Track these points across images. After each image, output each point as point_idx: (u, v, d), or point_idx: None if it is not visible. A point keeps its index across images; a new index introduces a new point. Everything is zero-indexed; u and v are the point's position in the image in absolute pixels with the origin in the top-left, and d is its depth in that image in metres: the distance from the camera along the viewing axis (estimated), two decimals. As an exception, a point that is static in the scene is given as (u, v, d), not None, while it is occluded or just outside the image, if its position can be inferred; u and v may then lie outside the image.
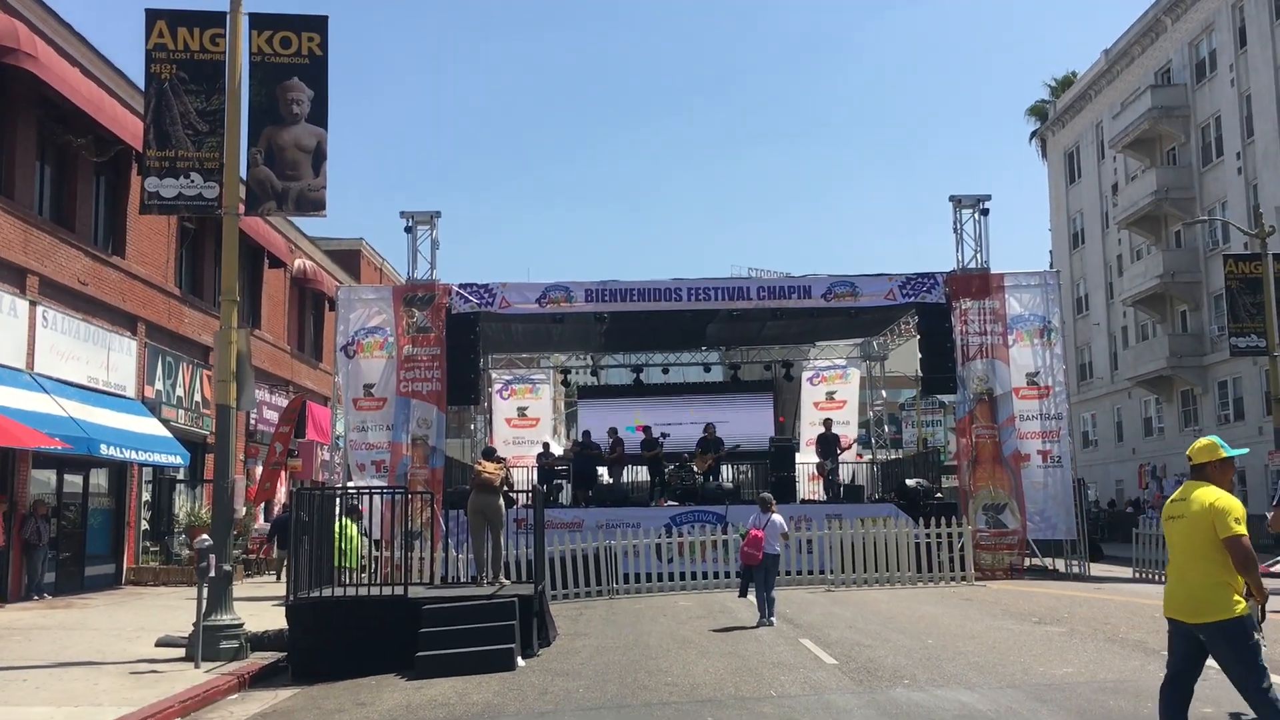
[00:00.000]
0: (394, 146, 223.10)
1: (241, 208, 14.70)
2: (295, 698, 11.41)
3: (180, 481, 28.26)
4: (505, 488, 15.11)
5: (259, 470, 30.51)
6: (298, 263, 36.04)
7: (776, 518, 15.34)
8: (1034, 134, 63.67)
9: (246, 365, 14.29)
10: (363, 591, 13.06)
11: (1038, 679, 9.94)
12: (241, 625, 13.61)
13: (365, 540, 17.92)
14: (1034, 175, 69.27)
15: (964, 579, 20.83)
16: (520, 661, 12.29)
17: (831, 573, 20.71)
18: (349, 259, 43.49)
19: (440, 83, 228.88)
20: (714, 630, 14.64)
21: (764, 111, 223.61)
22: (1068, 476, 23.12)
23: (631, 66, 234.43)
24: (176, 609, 18.09)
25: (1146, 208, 45.79)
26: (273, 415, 32.49)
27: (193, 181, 14.42)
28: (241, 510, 13.98)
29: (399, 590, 13.04)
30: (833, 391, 32.46)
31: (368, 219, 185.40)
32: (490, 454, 15.56)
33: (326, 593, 13.08)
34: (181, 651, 13.24)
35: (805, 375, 32.76)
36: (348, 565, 17.29)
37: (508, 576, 15.43)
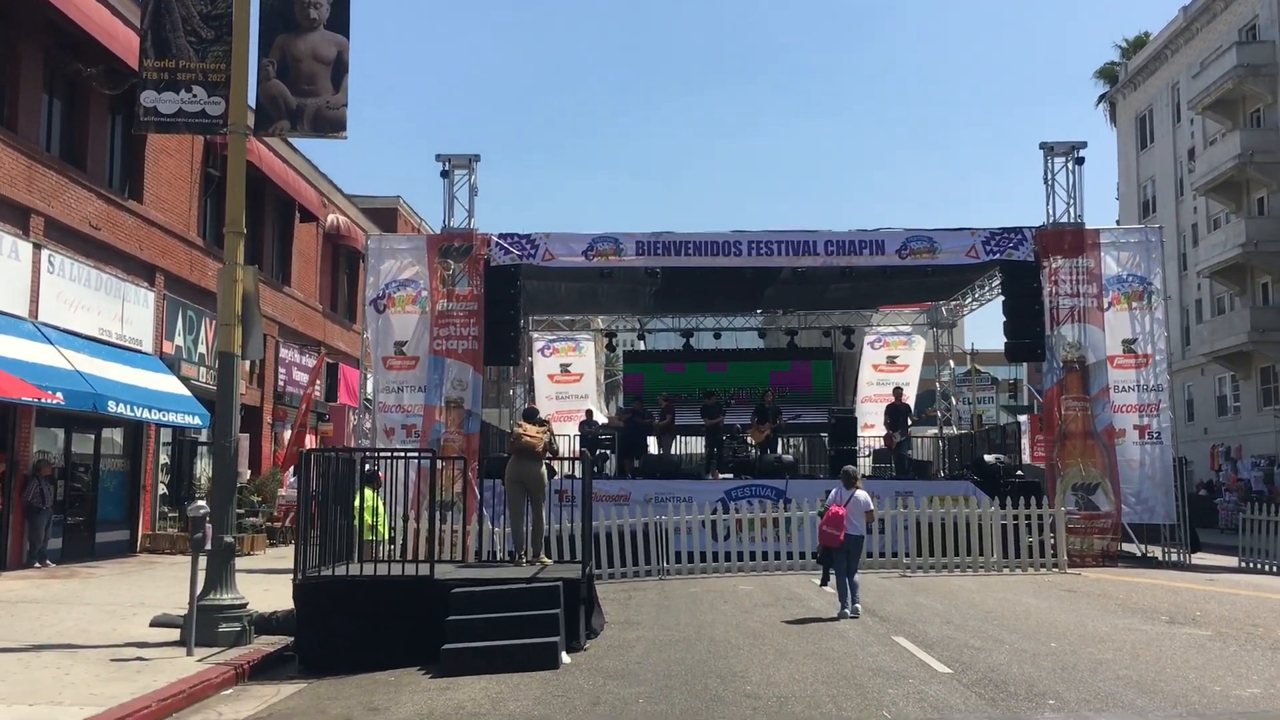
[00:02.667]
0: (434, 104, 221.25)
1: (250, 127, 12.81)
2: (298, 696, 9.58)
3: (202, 444, 26.63)
4: (549, 454, 13.19)
5: (287, 434, 28.91)
6: (331, 218, 34.30)
7: (861, 494, 13.29)
8: (1102, 97, 60.65)
9: (254, 308, 12.45)
10: (382, 570, 11.18)
11: (1222, 704, 7.89)
12: (245, 606, 11.82)
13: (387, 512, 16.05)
14: (1101, 141, 65.89)
15: (1055, 566, 18.70)
16: (565, 658, 10.39)
17: (908, 556, 18.66)
18: (385, 217, 41.63)
19: (482, 41, 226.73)
20: (787, 622, 12.68)
21: (816, 82, 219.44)
22: (1167, 454, 20.86)
23: (682, 32, 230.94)
24: (186, 581, 16.34)
25: (1228, 172, 42.98)
26: (303, 377, 30.86)
27: (195, 96, 12.53)
28: (246, 473, 12.21)
29: (425, 570, 11.14)
30: (895, 356, 30.32)
31: (406, 178, 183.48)
32: (532, 415, 13.63)
33: (341, 571, 11.22)
34: (177, 633, 11.46)
35: (867, 340, 30.60)
36: (375, 539, 15.52)
37: (549, 555, 13.51)
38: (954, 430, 30.49)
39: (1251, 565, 19.91)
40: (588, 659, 10.49)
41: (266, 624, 12.26)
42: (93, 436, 21.65)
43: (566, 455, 20.36)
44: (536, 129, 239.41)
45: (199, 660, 10.57)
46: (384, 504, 17.10)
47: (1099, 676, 8.90)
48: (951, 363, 30.66)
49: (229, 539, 11.84)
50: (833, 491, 13.64)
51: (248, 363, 29.24)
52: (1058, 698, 8.11)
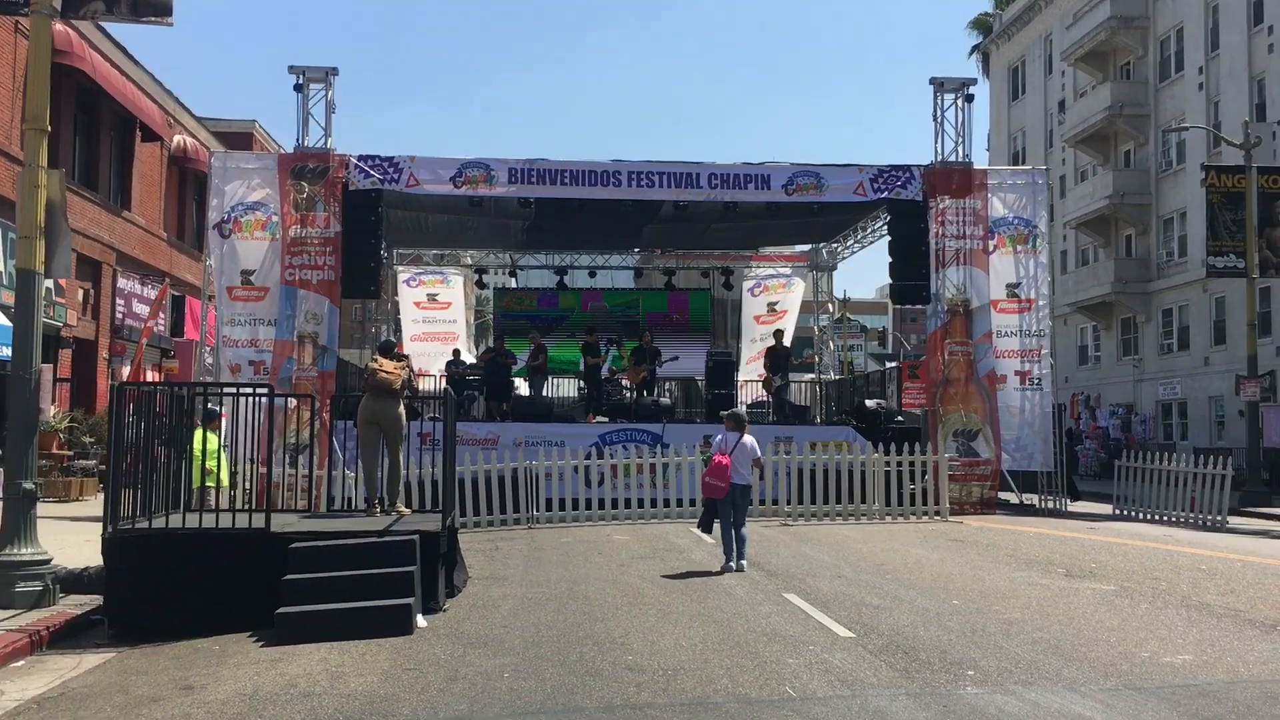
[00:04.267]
0: (293, 24, 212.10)
1: (57, 8, 10.96)
2: (101, 669, 8.15)
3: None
4: (407, 392, 11.83)
5: (125, 371, 26.65)
6: (177, 139, 31.65)
7: (749, 440, 12.26)
8: (975, 48, 60.92)
9: (60, 218, 10.69)
10: (210, 521, 9.70)
11: (1156, 673, 7.11)
12: (48, 561, 10.23)
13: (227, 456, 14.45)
14: (973, 92, 65.95)
15: (937, 514, 18.21)
16: (421, 621, 9.15)
17: (789, 504, 17.91)
18: (240, 142, 38.67)
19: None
20: (668, 577, 11.66)
21: (694, 27, 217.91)
22: (1047, 402, 20.56)
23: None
24: None
25: (1097, 125, 43.51)
26: (144, 310, 28.47)
27: (-12, -34, 10.62)
28: (50, 410, 10.54)
29: (260, 521, 9.71)
30: (774, 303, 29.55)
31: (263, 104, 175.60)
32: (389, 349, 12.21)
33: (160, 523, 9.72)
34: (-33, 595, 9.85)
35: (746, 285, 29.75)
36: (215, 486, 13.93)
37: (407, 504, 12.20)
38: (830, 376, 30.00)
39: (1125, 513, 19.81)
40: (447, 622, 9.28)
41: (77, 582, 10.70)
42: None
43: (428, 393, 18.90)
44: (400, 57, 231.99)
45: (-14, 627, 9.01)
46: (224, 447, 15.55)
47: (1014, 641, 8.10)
48: (831, 306, 30.05)
49: (29, 485, 10.20)
50: (717, 437, 12.61)
51: (80, 292, 27.03)
52: (976, 667, 7.25)
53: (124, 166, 29.10)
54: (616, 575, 11.79)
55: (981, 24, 60.66)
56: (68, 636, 9.36)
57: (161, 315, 28.35)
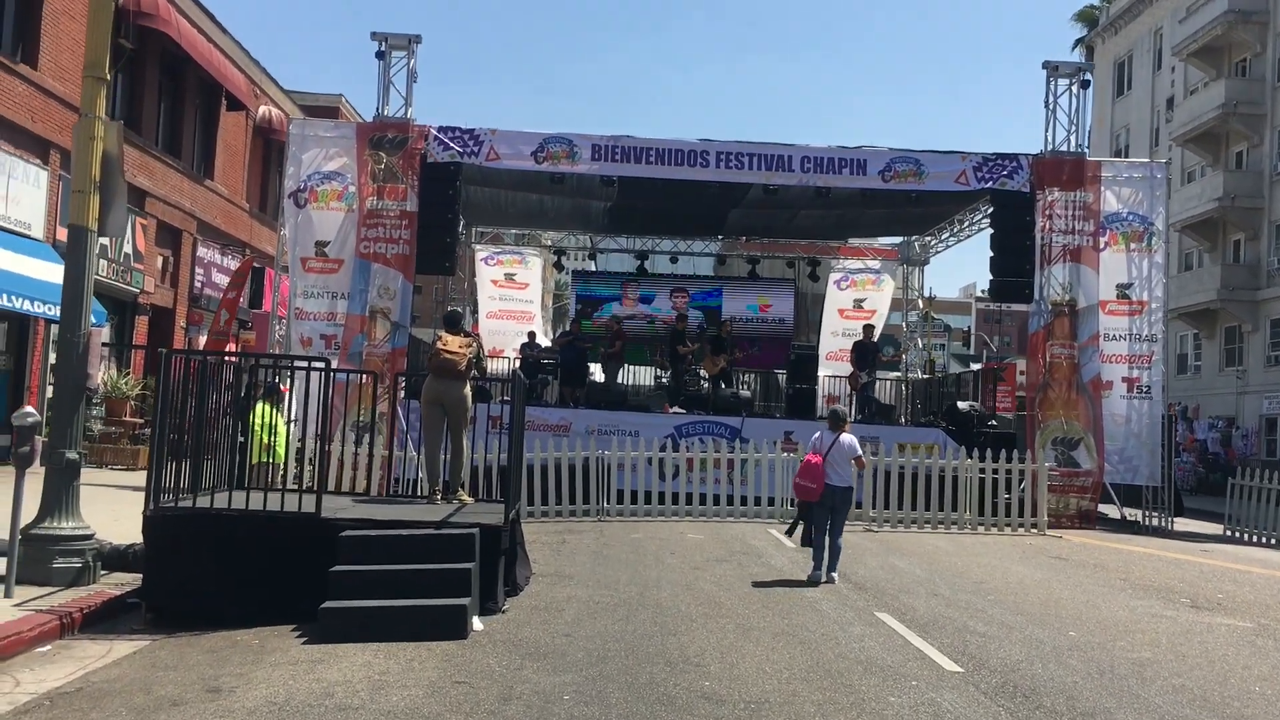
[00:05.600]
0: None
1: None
2: (129, 661, 7.49)
3: (105, 345, 24.12)
4: (474, 373, 11.03)
5: (202, 340, 26.42)
6: (263, 109, 31.39)
7: (847, 438, 11.26)
8: (1079, 41, 58.65)
9: (117, 173, 10.09)
10: (257, 502, 9.01)
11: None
12: (89, 537, 9.64)
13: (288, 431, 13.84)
14: (1089, 78, 63.44)
15: (1034, 527, 17.02)
16: (477, 624, 8.36)
17: (874, 509, 16.85)
18: (325, 115, 38.55)
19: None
20: (747, 585, 10.74)
21: (785, 17, 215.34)
22: (1157, 411, 19.15)
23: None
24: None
25: (1209, 123, 41.39)
26: (223, 280, 28.25)
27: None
28: (98, 375, 10.00)
29: (310, 504, 8.99)
30: (862, 299, 28.30)
31: (351, 79, 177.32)
32: (455, 321, 11.40)
33: (204, 502, 9.05)
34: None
35: (833, 278, 28.57)
36: (270, 461, 13.33)
37: (470, 492, 11.43)
38: (917, 375, 28.74)
39: (1237, 535, 18.39)
40: (505, 626, 8.48)
41: (121, 559, 10.15)
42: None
43: (496, 375, 18.20)
44: (482, 32, 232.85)
45: (16, 604, 8.43)
46: (288, 422, 14.99)
47: (1151, 688, 7.04)
48: (920, 303, 28.76)
49: (72, 455, 9.63)
50: (814, 435, 11.61)
51: (159, 259, 26.86)
52: None
53: (208, 135, 28.92)
54: (691, 580, 10.91)
55: (1086, 17, 58.39)
56: (104, 619, 8.76)
57: (243, 287, 28.12)
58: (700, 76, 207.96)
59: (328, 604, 8.12)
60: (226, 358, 10.81)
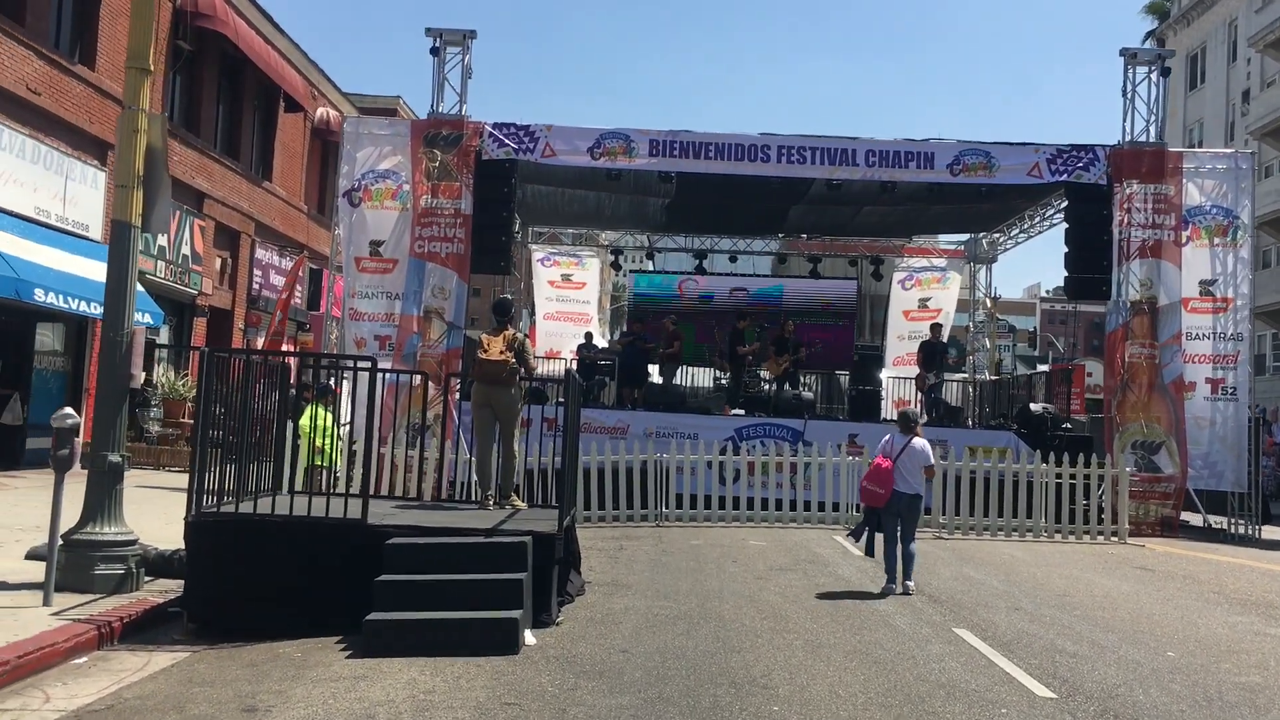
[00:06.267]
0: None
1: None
2: (165, 675, 7.13)
3: (162, 346, 24.16)
4: (519, 370, 10.50)
5: (260, 342, 26.39)
6: (320, 111, 31.39)
7: (919, 443, 10.66)
8: (1150, 34, 57.07)
9: (161, 167, 9.80)
10: (301, 508, 8.63)
11: None
12: (133, 543, 9.35)
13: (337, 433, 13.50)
14: (1170, 65, 61.75)
15: (1114, 536, 16.23)
16: (529, 638, 7.89)
17: (944, 515, 16.17)
18: (382, 116, 38.67)
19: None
20: (814, 597, 10.18)
21: (841, 20, 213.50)
22: (1242, 413, 18.24)
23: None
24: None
25: (1289, 116, 39.86)
26: (281, 282, 28.23)
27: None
28: (140, 375, 9.68)
29: (356, 510, 8.59)
30: (927, 299, 27.51)
31: (409, 82, 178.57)
32: (504, 310, 10.77)
33: (247, 508, 8.69)
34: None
35: (897, 278, 27.81)
36: (323, 465, 13.03)
37: (522, 497, 10.98)
38: (985, 376, 27.87)
39: (1330, 545, 17.42)
40: (559, 639, 8.01)
41: (166, 565, 9.82)
42: (24, 331, 19.13)
43: (551, 376, 17.78)
44: (540, 32, 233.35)
45: (54, 613, 8.12)
46: (341, 424, 14.70)
47: (1266, 718, 6.38)
48: (988, 301, 27.86)
49: (115, 458, 9.33)
50: (886, 437, 11.01)
51: (218, 261, 26.88)
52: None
53: (266, 136, 28.93)
54: (754, 591, 10.36)
55: (1157, 9, 56.79)
56: (144, 629, 8.44)
57: (299, 288, 28.06)
58: (762, 78, 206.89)
59: (372, 616, 7.71)
60: (270, 357, 10.47)
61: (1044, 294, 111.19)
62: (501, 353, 10.19)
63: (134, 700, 6.49)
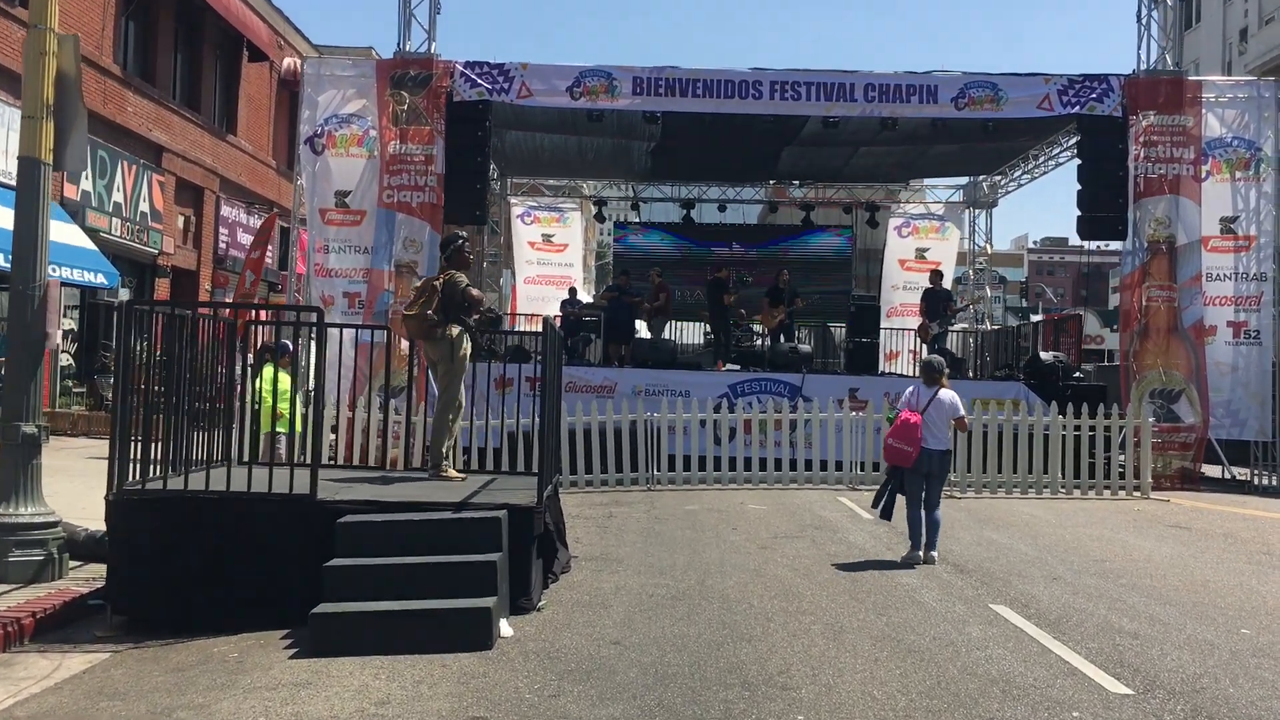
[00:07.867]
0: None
1: None
2: (72, 684, 6.02)
3: (116, 307, 22.87)
4: (441, 319, 9.10)
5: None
6: (287, 61, 29.75)
7: (947, 394, 9.56)
8: (1144, -27, 55.66)
9: (74, 96, 8.56)
10: (239, 483, 7.49)
11: None
12: (55, 525, 8.22)
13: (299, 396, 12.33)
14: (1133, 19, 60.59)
15: (1136, 490, 15.22)
16: (505, 628, 6.79)
17: (955, 472, 15.10)
18: (354, 69, 37.09)
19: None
20: (828, 569, 9.10)
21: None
22: (1267, 359, 17.20)
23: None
24: (71, 474, 12.90)
25: (1290, 52, 38.63)
26: (249, 241, 26.89)
27: None
28: (56, 335, 8.53)
29: (303, 485, 7.45)
30: (924, 249, 26.31)
31: (382, 31, 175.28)
32: (444, 247, 9.49)
33: (176, 484, 7.53)
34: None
35: (893, 224, 26.62)
36: (284, 432, 11.87)
37: (455, 465, 9.61)
38: (986, 326, 26.80)
39: (1360, 496, 16.46)
40: (540, 629, 6.91)
41: (98, 548, 8.67)
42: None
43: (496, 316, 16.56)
44: None
45: (-41, 610, 7.00)
46: (301, 388, 13.59)
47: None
48: (989, 248, 26.71)
49: (29, 429, 8.16)
50: (909, 389, 9.90)
51: (180, 219, 25.52)
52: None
53: (229, 88, 27.49)
54: (760, 563, 9.28)
55: (1151, -54, 55.42)
56: (65, 623, 7.34)
57: (271, 247, 26.74)
58: (752, 29, 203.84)
59: (321, 608, 6.59)
60: (202, 309, 9.29)
61: (1032, 245, 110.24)
62: (419, 303, 8.90)
63: (35, 716, 5.38)
